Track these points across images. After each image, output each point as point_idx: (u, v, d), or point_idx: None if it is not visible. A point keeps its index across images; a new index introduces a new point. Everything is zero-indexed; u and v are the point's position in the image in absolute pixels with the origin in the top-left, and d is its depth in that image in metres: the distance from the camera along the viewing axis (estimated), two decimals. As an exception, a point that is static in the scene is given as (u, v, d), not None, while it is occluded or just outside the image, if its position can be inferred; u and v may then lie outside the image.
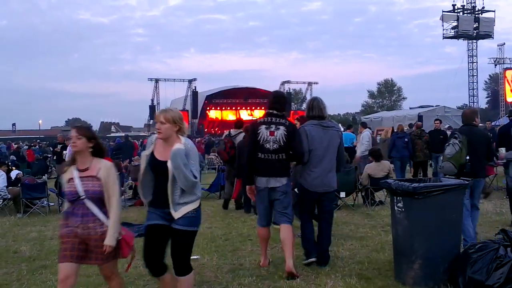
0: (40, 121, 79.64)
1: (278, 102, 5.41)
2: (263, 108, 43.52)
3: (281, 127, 5.18)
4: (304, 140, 5.30)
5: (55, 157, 16.62)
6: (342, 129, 8.28)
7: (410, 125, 16.55)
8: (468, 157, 5.69)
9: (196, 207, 3.77)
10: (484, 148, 6.06)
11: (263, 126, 5.21)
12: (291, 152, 5.23)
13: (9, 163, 14.16)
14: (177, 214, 3.72)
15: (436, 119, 13.76)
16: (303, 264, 5.38)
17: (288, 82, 47.84)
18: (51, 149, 22.61)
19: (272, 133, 5.16)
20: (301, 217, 5.59)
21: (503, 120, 26.12)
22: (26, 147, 28.78)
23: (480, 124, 8.75)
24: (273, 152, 5.14)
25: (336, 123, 6.12)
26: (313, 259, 5.38)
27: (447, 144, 5.89)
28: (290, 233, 5.19)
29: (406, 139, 11.83)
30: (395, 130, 13.85)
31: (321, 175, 5.35)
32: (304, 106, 54.27)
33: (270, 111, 5.34)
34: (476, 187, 6.04)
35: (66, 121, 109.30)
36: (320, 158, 5.33)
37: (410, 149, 11.73)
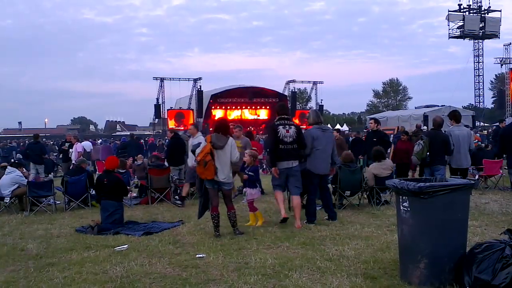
0: (46, 120, 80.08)
1: (285, 109, 8.08)
2: (268, 107, 43.50)
3: (292, 127, 7.60)
4: (309, 139, 7.67)
5: (61, 156, 16.69)
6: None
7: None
8: (428, 153, 8.76)
9: None
10: (442, 146, 8.80)
11: (281, 127, 7.53)
12: (299, 143, 7.58)
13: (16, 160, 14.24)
14: None
15: (372, 118, 12.22)
16: (312, 262, 5.41)
17: (293, 81, 47.63)
18: (57, 148, 22.73)
19: (287, 131, 7.52)
20: (311, 194, 7.90)
21: (509, 120, 26.09)
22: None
23: (496, 124, 10.40)
24: (290, 143, 7.49)
25: (330, 127, 8.25)
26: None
27: (416, 143, 9.12)
28: (299, 201, 7.69)
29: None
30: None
31: (323, 163, 7.79)
32: (309, 105, 54.27)
33: (282, 116, 7.70)
34: (436, 171, 8.74)
35: (71, 120, 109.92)
36: (322, 152, 7.70)
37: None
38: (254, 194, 8.01)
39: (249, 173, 7.98)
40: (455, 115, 9.19)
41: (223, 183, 7.13)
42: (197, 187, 7.43)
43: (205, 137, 7.96)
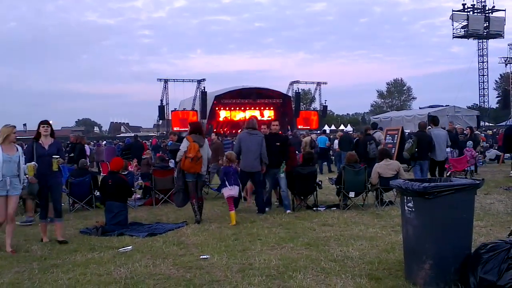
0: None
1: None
2: (272, 108, 43.52)
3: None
4: (237, 142, 9.15)
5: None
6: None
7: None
8: (416, 149, 10.84)
9: None
10: (427, 144, 10.92)
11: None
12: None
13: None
14: None
15: (275, 122, 10.69)
16: (313, 264, 5.39)
17: (297, 82, 47.69)
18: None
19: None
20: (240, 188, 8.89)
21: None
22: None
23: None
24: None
25: (259, 132, 9.25)
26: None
27: (406, 142, 11.53)
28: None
29: None
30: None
31: (250, 161, 8.88)
32: (313, 106, 54.24)
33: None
34: (423, 165, 10.95)
35: (76, 122, 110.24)
36: (248, 152, 8.85)
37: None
38: (225, 192, 8.42)
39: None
40: (434, 120, 12.01)
41: (201, 176, 8.56)
42: (178, 181, 8.53)
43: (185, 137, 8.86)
